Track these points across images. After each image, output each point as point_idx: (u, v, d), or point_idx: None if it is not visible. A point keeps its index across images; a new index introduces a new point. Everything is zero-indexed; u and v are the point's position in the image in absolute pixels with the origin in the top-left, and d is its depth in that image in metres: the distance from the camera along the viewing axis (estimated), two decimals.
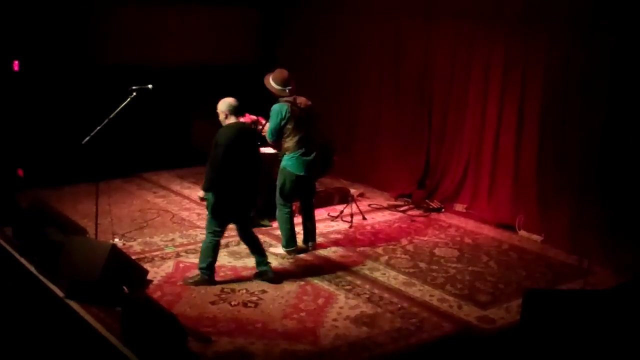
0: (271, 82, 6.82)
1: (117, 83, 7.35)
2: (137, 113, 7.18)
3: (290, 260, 6.85)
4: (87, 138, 6.51)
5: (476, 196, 8.51)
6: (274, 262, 6.66)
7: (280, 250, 7.01)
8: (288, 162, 6.84)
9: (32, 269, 6.26)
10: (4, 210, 7.31)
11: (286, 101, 6.77)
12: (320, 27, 10.37)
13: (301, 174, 6.84)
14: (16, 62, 8.96)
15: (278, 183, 6.93)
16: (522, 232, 7.85)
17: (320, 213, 8.39)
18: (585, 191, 7.20)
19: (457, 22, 8.54)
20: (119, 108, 6.61)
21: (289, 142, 6.80)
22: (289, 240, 6.98)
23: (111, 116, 6.57)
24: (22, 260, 6.45)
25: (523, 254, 7.27)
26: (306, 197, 7.19)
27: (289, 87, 6.80)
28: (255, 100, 7.56)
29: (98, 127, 6.53)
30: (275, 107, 6.79)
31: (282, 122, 6.72)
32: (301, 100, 6.86)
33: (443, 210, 8.65)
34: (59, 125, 9.14)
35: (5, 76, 8.92)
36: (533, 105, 7.76)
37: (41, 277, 6.07)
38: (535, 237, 7.71)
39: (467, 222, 8.26)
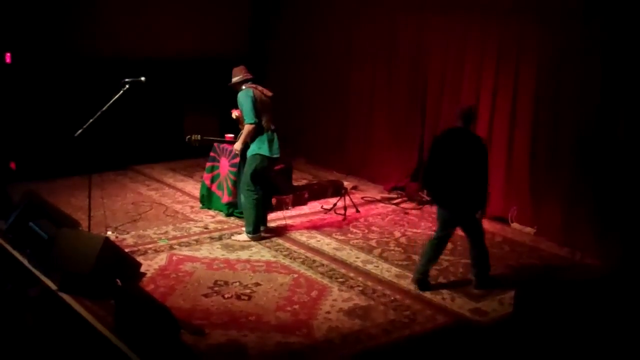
0: (232, 80, 7.03)
1: (110, 75, 7.33)
2: (130, 106, 7.15)
3: (284, 252, 6.86)
4: (80, 131, 6.49)
5: None
6: (265, 253, 6.68)
7: (243, 237, 7.07)
8: (260, 147, 6.92)
9: (25, 261, 6.25)
10: None
11: (248, 87, 6.94)
12: (312, 21, 10.34)
13: (273, 155, 6.99)
14: (8, 54, 8.91)
15: (248, 169, 6.97)
16: (515, 225, 7.87)
17: (313, 206, 8.43)
18: (577, 184, 7.22)
19: (450, 15, 8.53)
20: (112, 100, 6.59)
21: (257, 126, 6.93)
22: (257, 226, 7.08)
23: (104, 109, 6.55)
24: (15, 253, 6.44)
25: (515, 247, 7.29)
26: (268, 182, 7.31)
27: (246, 74, 6.99)
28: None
29: (91, 120, 6.51)
30: (241, 94, 6.93)
31: (254, 104, 6.85)
32: (262, 88, 7.05)
33: None
34: (52, 118, 9.11)
35: None
36: (526, 98, 7.76)
37: (34, 270, 6.05)
38: (527, 229, 7.73)
39: None
